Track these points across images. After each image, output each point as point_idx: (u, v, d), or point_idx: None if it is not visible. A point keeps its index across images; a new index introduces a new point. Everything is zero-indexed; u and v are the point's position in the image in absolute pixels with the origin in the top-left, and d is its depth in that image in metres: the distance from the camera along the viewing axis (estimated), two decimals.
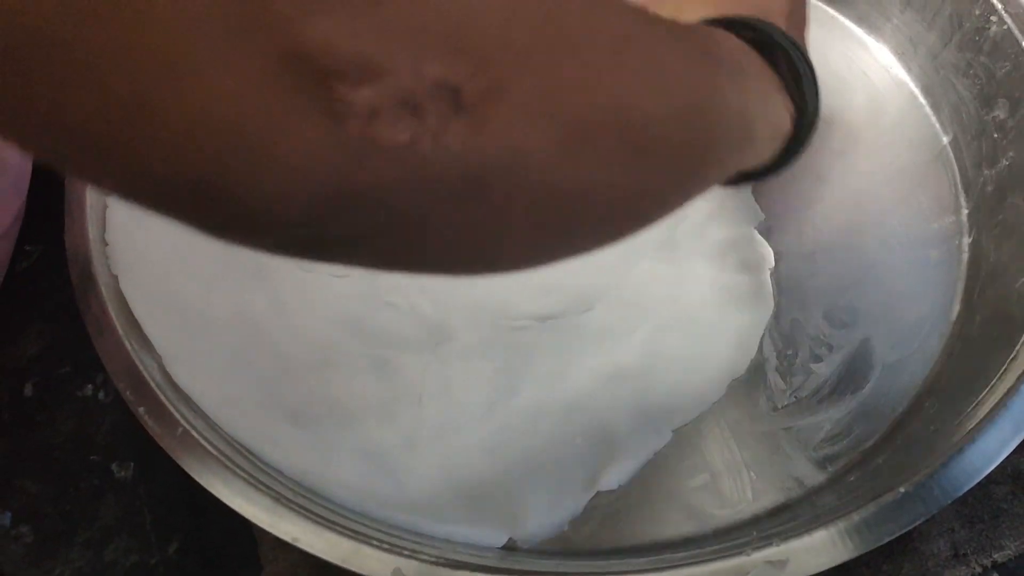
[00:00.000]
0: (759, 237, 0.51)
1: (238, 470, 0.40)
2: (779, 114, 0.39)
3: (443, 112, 0.20)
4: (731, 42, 0.37)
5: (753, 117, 0.36)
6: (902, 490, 0.38)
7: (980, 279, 0.50)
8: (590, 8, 0.25)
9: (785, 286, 0.50)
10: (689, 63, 0.30)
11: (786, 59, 0.39)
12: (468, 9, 0.20)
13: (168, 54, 0.17)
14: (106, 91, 0.17)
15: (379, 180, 0.20)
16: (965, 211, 0.53)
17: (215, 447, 0.41)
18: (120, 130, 0.18)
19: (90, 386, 0.51)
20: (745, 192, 0.53)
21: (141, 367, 0.43)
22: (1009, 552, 0.45)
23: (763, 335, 0.49)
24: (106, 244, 0.47)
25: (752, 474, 0.45)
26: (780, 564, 0.37)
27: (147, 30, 0.16)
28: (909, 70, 0.58)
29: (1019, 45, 0.51)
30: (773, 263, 0.50)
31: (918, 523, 0.37)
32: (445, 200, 0.22)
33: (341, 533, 0.38)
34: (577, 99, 0.23)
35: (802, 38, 0.45)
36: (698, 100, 0.30)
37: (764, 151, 0.40)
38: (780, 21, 0.41)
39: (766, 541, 0.38)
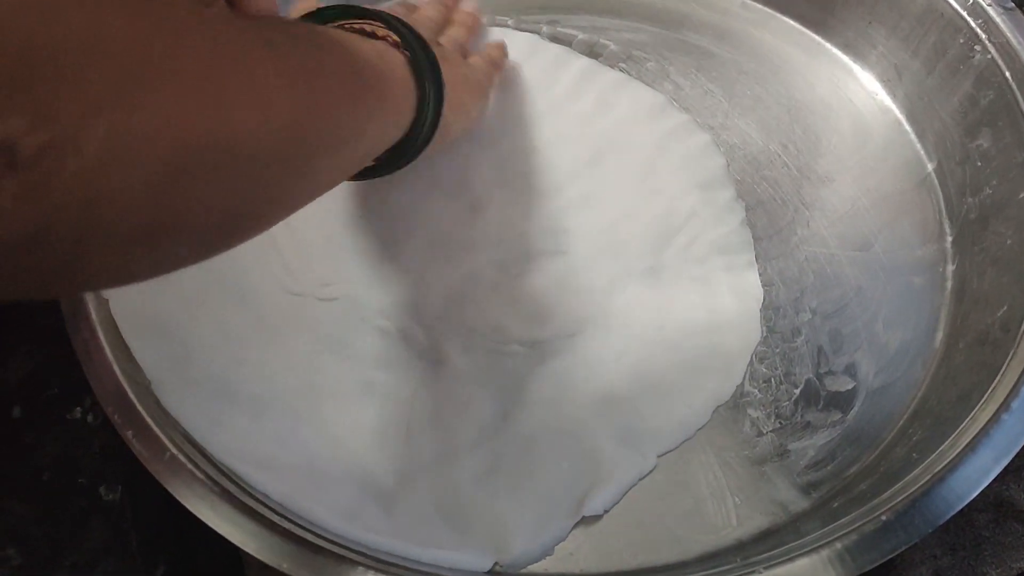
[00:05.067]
0: (749, 265, 0.52)
1: (225, 495, 0.40)
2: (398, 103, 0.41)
3: None
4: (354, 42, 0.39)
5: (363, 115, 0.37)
6: (884, 518, 0.38)
7: (963, 306, 0.50)
8: (177, 36, 0.24)
9: (770, 312, 0.51)
10: (287, 77, 0.30)
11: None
12: (31, 58, 0.19)
13: None
14: None
15: None
16: (949, 238, 0.53)
17: (203, 471, 0.41)
18: None
19: (78, 409, 0.51)
20: (736, 219, 0.53)
21: (129, 391, 0.43)
22: None
23: (748, 361, 0.49)
24: None
25: (736, 500, 0.45)
26: None
27: None
28: (894, 97, 0.59)
29: (1003, 74, 0.52)
30: (762, 297, 0.51)
31: (900, 551, 0.38)
32: (9, 250, 0.21)
33: (328, 558, 0.39)
34: (165, 136, 0.23)
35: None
36: (296, 116, 0.30)
37: (382, 138, 0.41)
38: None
39: (750, 568, 0.39)
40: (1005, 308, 0.47)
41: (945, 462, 0.40)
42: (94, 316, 0.45)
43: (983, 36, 0.53)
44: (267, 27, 0.31)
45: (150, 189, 0.23)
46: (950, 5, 0.55)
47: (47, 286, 0.25)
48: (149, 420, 0.42)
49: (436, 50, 0.44)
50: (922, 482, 0.39)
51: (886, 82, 0.59)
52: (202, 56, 0.25)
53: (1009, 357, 0.44)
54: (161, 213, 0.24)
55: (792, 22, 0.63)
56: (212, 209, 0.27)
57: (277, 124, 0.28)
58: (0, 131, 0.19)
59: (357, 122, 0.36)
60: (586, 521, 0.44)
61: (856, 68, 0.61)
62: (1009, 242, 0.49)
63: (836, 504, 0.44)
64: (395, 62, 0.41)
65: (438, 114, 0.43)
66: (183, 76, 0.24)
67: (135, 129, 0.22)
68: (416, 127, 0.42)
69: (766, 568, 0.38)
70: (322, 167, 0.34)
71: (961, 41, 0.54)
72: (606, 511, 0.44)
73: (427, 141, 0.44)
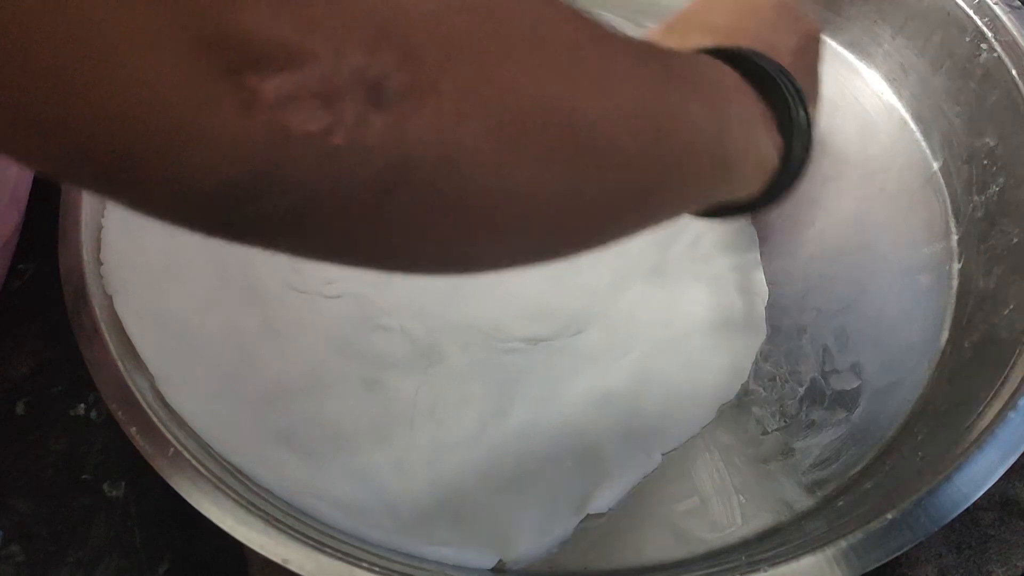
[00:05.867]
0: (754, 264, 0.52)
1: (229, 491, 0.40)
2: (764, 146, 0.39)
3: (361, 105, 0.20)
4: (717, 70, 0.37)
5: (730, 145, 0.35)
6: (889, 516, 0.38)
7: (969, 305, 0.50)
8: (537, 13, 0.25)
9: (775, 310, 0.50)
10: (649, 80, 0.30)
11: (778, 94, 0.39)
12: (399, 1, 0.21)
13: (93, 35, 0.17)
14: (32, 66, 0.17)
15: (292, 167, 0.20)
16: (955, 237, 0.53)
17: (206, 468, 0.41)
18: (42, 106, 0.18)
19: (82, 405, 0.51)
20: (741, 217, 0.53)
21: (133, 387, 0.43)
22: None
23: (753, 360, 0.49)
24: (100, 264, 0.47)
25: (741, 498, 0.45)
26: None
27: (75, 10, 0.17)
28: (900, 96, 0.59)
29: (1009, 73, 0.52)
30: (767, 296, 0.51)
31: (906, 549, 0.38)
32: (363, 191, 0.22)
33: (331, 555, 0.38)
34: (514, 97, 0.24)
35: (811, 76, 0.44)
36: (655, 115, 0.29)
37: (745, 183, 0.39)
38: (785, 57, 0.40)
39: (754, 566, 0.38)
40: (1011, 307, 0.47)
41: (951, 461, 0.40)
42: (98, 312, 0.45)
43: (989, 35, 0.53)
44: (631, 39, 0.31)
45: (495, 148, 0.23)
46: (956, 4, 0.55)
47: (396, 245, 0.25)
48: (153, 417, 0.42)
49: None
50: (928, 481, 0.39)
51: (892, 81, 0.59)
52: (561, 40, 0.26)
53: (1015, 356, 0.43)
54: (504, 178, 0.24)
55: None
56: (556, 192, 0.26)
57: (626, 119, 0.28)
58: (370, 65, 0.20)
59: (727, 141, 0.34)
60: (590, 519, 0.44)
61: (862, 67, 0.61)
62: (1015, 240, 0.49)
63: (841, 503, 0.44)
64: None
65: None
66: (537, 54, 0.24)
67: (486, 86, 0.23)
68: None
69: (771, 566, 0.38)
70: (679, 180, 0.32)
71: (967, 40, 0.54)
72: (610, 509, 0.44)
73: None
